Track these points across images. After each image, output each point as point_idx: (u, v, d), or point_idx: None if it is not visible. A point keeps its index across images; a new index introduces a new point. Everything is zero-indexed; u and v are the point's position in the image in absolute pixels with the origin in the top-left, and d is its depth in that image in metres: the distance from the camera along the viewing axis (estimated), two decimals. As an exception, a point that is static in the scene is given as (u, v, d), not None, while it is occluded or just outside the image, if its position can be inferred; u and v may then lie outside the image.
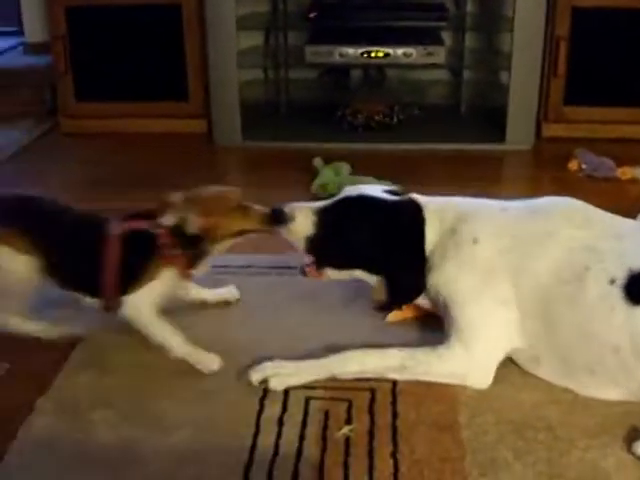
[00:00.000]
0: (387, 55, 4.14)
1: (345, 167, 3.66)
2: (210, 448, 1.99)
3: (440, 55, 4.17)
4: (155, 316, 2.28)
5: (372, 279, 2.37)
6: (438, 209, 2.35)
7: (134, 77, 4.33)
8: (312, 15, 4.28)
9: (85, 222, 2.40)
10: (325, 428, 2.05)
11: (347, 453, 1.97)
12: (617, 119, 4.29)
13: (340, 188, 3.44)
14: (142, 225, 2.30)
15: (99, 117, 4.37)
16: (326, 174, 3.60)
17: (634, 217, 3.09)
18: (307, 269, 2.40)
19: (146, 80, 4.33)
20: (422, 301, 2.38)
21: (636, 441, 1.97)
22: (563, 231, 2.20)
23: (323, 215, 2.32)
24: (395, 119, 4.38)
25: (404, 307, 2.48)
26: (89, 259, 2.30)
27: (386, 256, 2.29)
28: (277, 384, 2.18)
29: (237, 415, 2.10)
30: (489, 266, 2.22)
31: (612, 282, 2.08)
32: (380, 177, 3.54)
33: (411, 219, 2.33)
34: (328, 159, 3.76)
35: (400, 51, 4.13)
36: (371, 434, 2.03)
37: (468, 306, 2.23)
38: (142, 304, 2.28)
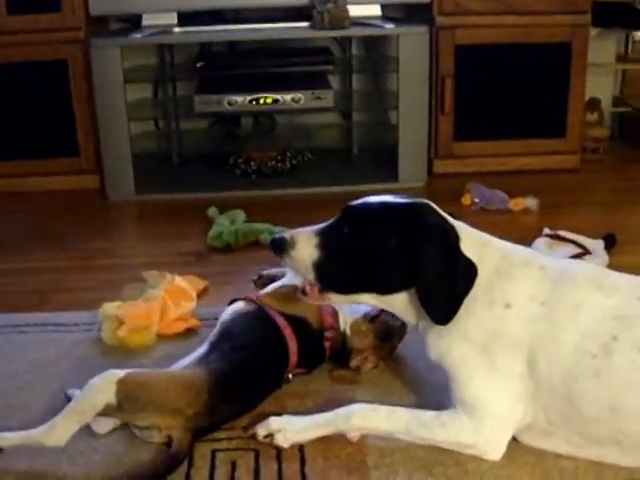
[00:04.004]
0: (276, 101, 4.15)
1: (240, 215, 3.65)
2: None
3: (328, 99, 4.19)
4: None
5: (381, 302, 2.17)
6: (477, 238, 2.15)
7: (22, 135, 4.25)
8: (199, 65, 4.28)
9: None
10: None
11: (257, 504, 1.95)
12: (506, 152, 4.38)
13: (236, 237, 3.47)
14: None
15: (-13, 177, 4.28)
16: (221, 223, 3.58)
17: (528, 246, 3.16)
18: (308, 290, 2.18)
19: (35, 137, 4.25)
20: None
21: None
22: (593, 301, 2.02)
23: (326, 234, 2.12)
24: (288, 164, 4.39)
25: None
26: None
27: (412, 266, 2.03)
28: (282, 440, 2.11)
29: (143, 475, 2.06)
30: (514, 335, 2.03)
31: None
32: (275, 223, 3.55)
33: (440, 221, 2.11)
34: (223, 208, 3.75)
35: (288, 96, 4.14)
36: (280, 483, 2.01)
37: (479, 383, 2.06)
38: None
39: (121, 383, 2.04)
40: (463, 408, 2.07)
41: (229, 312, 2.43)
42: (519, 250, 2.18)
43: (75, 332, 2.77)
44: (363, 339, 2.46)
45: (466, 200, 3.93)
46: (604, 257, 3.19)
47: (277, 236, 2.15)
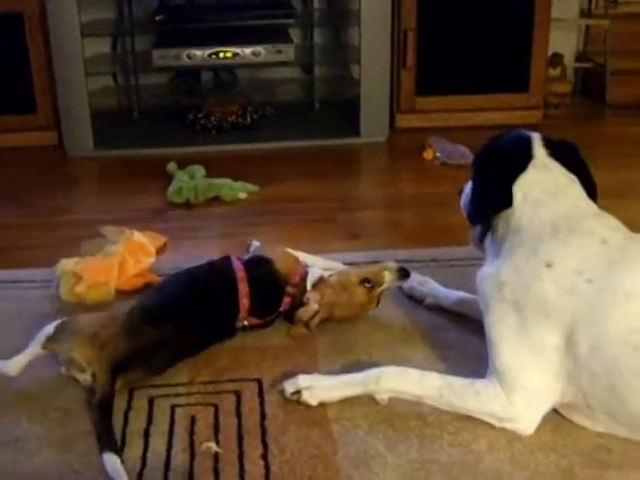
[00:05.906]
0: (236, 55, 4.10)
1: (199, 170, 3.61)
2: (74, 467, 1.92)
3: (289, 53, 4.14)
4: None
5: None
6: (556, 183, 2.10)
7: (-23, 91, 4.18)
8: (158, 18, 4.21)
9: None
10: (192, 434, 2.01)
11: (216, 459, 1.93)
12: (468, 107, 4.35)
13: (196, 192, 3.44)
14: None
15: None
16: (180, 178, 3.54)
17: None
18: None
19: (-9, 94, 4.19)
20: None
21: None
22: None
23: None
24: (249, 119, 4.34)
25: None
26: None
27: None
28: (310, 398, 2.09)
29: (101, 431, 2.04)
30: (549, 301, 1.95)
31: None
32: (236, 178, 3.52)
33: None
34: (183, 163, 3.70)
35: (248, 50, 4.09)
36: (240, 438, 2.00)
37: (512, 349, 1.99)
38: None
39: (63, 321, 2.21)
40: (497, 376, 2.01)
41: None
42: (590, 218, 2.06)
43: (32, 289, 2.74)
44: (318, 292, 2.45)
45: (428, 154, 3.92)
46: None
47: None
